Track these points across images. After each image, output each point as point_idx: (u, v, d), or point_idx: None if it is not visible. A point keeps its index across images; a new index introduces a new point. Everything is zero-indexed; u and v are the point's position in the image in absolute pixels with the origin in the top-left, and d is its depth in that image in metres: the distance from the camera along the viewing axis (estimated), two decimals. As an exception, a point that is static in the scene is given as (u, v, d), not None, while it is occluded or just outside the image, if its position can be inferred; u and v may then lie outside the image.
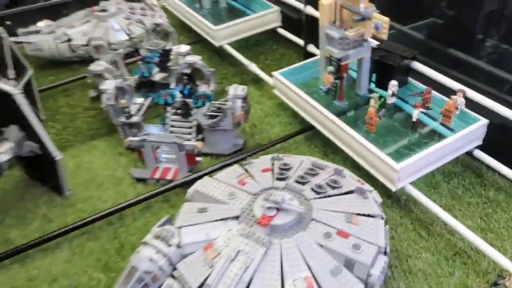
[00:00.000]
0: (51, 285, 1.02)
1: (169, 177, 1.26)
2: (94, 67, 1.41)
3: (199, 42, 1.94)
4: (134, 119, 1.33)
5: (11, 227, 1.16)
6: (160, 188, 1.22)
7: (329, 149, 1.35)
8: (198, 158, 1.30)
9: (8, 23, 2.11)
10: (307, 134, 1.43)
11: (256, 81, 1.71)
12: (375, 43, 1.37)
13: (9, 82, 1.30)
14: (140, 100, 1.43)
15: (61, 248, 1.10)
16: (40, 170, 1.26)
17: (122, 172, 1.32)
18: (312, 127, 1.39)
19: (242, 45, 1.91)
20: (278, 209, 0.95)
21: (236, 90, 1.28)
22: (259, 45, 1.97)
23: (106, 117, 1.55)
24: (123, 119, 1.33)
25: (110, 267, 1.05)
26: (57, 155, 1.12)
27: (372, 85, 1.38)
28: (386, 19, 1.06)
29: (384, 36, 1.08)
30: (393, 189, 1.10)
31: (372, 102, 1.21)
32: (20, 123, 1.12)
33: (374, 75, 1.36)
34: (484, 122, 1.17)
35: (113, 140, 1.45)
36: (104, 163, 1.36)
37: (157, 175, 1.27)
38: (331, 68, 1.22)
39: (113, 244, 1.11)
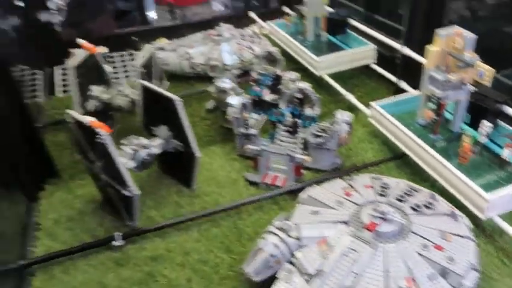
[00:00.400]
0: (185, 257, 1.26)
1: (278, 183, 1.48)
2: (221, 84, 1.68)
3: (297, 70, 2.18)
4: (252, 131, 1.57)
5: (151, 207, 1.43)
6: (270, 192, 1.44)
7: (417, 177, 1.51)
8: (302, 171, 1.51)
9: (134, 39, 2.49)
10: (397, 162, 1.59)
11: (350, 109, 1.90)
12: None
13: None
14: (256, 116, 1.67)
15: (191, 230, 1.35)
16: (172, 165, 1.52)
17: (236, 174, 1.56)
18: (402, 155, 1.56)
19: (337, 76, 2.13)
20: (383, 219, 1.13)
21: (343, 115, 1.49)
22: (353, 77, 2.17)
23: (219, 127, 1.82)
24: (243, 130, 1.57)
25: (232, 250, 1.27)
26: (198, 153, 1.38)
27: (463, 125, 1.53)
28: (491, 68, 1.23)
29: (487, 83, 1.24)
30: (483, 217, 1.24)
31: (466, 139, 1.36)
32: (171, 124, 1.39)
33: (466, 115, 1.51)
34: None
35: (227, 147, 1.70)
36: (221, 165, 1.61)
37: (268, 181, 1.49)
38: (432, 105, 1.39)
39: (232, 232, 1.33)
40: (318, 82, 2.11)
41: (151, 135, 1.46)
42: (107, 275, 1.22)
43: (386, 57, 2.10)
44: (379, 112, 1.62)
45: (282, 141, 1.61)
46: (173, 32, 2.57)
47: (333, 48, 2.12)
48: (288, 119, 1.62)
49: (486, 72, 1.23)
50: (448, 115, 1.54)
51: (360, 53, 2.04)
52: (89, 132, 1.20)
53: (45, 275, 1.23)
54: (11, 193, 1.42)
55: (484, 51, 1.79)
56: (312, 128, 1.56)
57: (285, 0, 2.81)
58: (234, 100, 1.56)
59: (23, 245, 1.31)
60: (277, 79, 1.79)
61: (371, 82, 2.12)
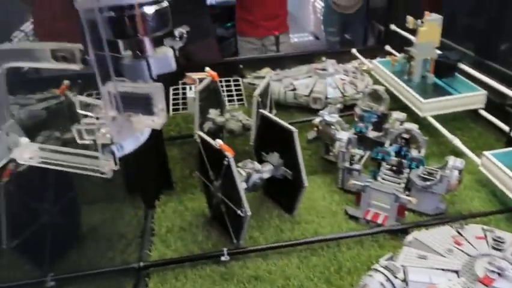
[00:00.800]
0: (286, 281, 1.31)
1: (379, 221, 1.49)
2: (327, 117, 1.74)
3: (398, 110, 2.18)
4: (356, 166, 1.60)
5: (254, 228, 1.51)
6: (371, 229, 1.45)
7: (531, 234, 1.43)
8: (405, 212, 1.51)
9: (241, 66, 2.66)
10: (508, 215, 1.52)
11: (454, 154, 1.85)
12: None
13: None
14: (360, 151, 1.71)
15: (292, 255, 1.40)
16: (277, 190, 1.60)
17: (336, 206, 1.59)
18: (513, 209, 1.49)
19: (440, 117, 2.09)
20: (499, 275, 1.09)
21: (455, 161, 1.47)
22: (456, 120, 2.12)
23: (320, 158, 1.87)
24: (347, 165, 1.61)
25: (331, 282, 1.30)
26: (306, 183, 1.44)
27: None
28: None
29: None
30: None
31: None
32: (282, 153, 1.47)
33: None
34: None
35: (328, 179, 1.74)
36: (321, 196, 1.65)
37: (369, 217, 1.50)
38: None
39: (332, 264, 1.36)
40: (419, 122, 2.09)
41: (260, 159, 1.56)
42: (214, 287, 1.30)
43: (494, 103, 2.03)
44: (491, 161, 1.57)
45: (384, 179, 1.61)
46: (277, 63, 2.72)
47: (439, 91, 2.09)
48: (393, 158, 1.63)
49: None
50: None
51: (468, 98, 1.99)
52: (214, 154, 1.32)
53: (159, 278, 1.34)
54: (134, 199, 1.58)
55: None
56: (419, 170, 1.55)
57: (387, 39, 2.84)
58: (342, 135, 1.61)
59: (141, 248, 1.44)
60: (382, 117, 1.81)
61: (476, 127, 2.06)
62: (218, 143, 1.30)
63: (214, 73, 1.78)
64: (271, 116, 1.47)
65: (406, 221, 1.51)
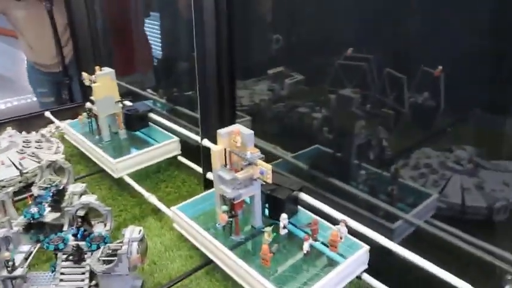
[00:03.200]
0: None
1: (56, 336, 1.15)
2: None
3: (98, 173, 1.93)
4: (18, 272, 1.22)
5: None
6: None
7: (230, 283, 1.36)
8: (91, 309, 1.22)
9: None
10: (208, 268, 1.43)
11: (156, 211, 1.71)
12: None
13: None
14: (26, 248, 1.33)
15: None
16: None
17: (-1, 335, 1.18)
18: (211, 261, 1.41)
19: (143, 172, 1.94)
20: None
21: (132, 232, 1.27)
22: (160, 171, 2.01)
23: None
24: (5, 273, 1.21)
25: None
26: None
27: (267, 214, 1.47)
28: (269, 166, 1.18)
29: (269, 181, 1.19)
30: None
31: (266, 236, 1.27)
32: None
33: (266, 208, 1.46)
34: (365, 248, 1.29)
35: (-6, 295, 1.30)
36: (-22, 326, 1.20)
37: (42, 335, 1.15)
38: (225, 208, 1.29)
39: None
40: (120, 183, 1.89)
41: None
42: None
43: (192, 147, 2.01)
44: (179, 216, 1.46)
45: (63, 274, 1.29)
46: None
47: (133, 145, 1.95)
48: (71, 243, 1.33)
49: (267, 171, 1.18)
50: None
51: (163, 147, 1.91)
52: None
53: None
54: None
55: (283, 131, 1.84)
56: (99, 251, 1.29)
57: (87, 95, 2.60)
58: (-13, 237, 1.21)
59: None
60: (59, 194, 1.50)
61: (181, 174, 1.99)
62: None
63: None
64: None
65: (96, 319, 1.22)
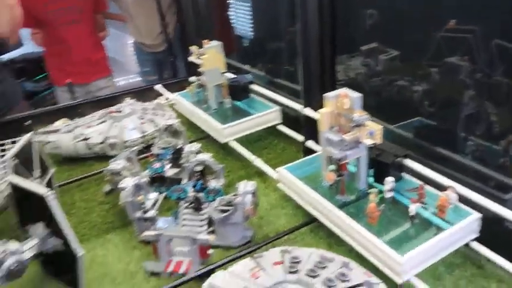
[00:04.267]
0: None
1: (181, 271, 1.31)
2: (113, 166, 1.52)
3: (205, 139, 2.10)
4: (150, 214, 1.41)
5: (27, 324, 1.18)
6: (173, 283, 1.26)
7: (333, 241, 1.42)
8: (209, 251, 1.36)
9: (28, 122, 2.28)
10: (312, 226, 1.50)
11: (260, 174, 1.82)
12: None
13: (35, 181, 1.40)
14: (154, 195, 1.52)
15: None
16: (57, 266, 1.30)
17: (135, 266, 1.37)
18: (316, 219, 1.48)
19: (245, 140, 2.07)
20: (292, 303, 1.01)
21: (246, 186, 1.39)
22: (261, 139, 2.12)
23: (119, 210, 1.63)
24: (139, 214, 1.41)
25: None
26: (79, 251, 1.18)
27: (372, 179, 1.50)
28: (379, 126, 1.21)
29: (378, 141, 1.22)
30: (399, 281, 1.15)
31: (371, 196, 1.31)
32: (46, 221, 1.20)
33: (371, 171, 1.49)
34: (476, 216, 1.27)
35: (127, 234, 1.51)
36: (118, 257, 1.41)
37: (170, 268, 1.32)
38: (332, 167, 1.35)
39: None
40: (226, 148, 2.03)
41: (27, 235, 1.25)
42: None
43: (292, 117, 2.09)
44: (285, 176, 1.54)
45: (185, 220, 1.46)
46: (74, 112, 2.42)
47: (237, 113, 2.08)
48: (190, 194, 1.49)
49: (376, 131, 1.22)
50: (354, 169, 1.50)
51: (265, 116, 2.01)
52: None
53: None
54: None
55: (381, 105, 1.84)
56: (216, 202, 1.44)
57: (191, 71, 2.80)
58: (125, 183, 1.40)
59: None
60: (177, 152, 1.68)
61: (280, 142, 2.09)
62: None
63: None
64: (19, 180, 1.19)
65: (213, 260, 1.36)
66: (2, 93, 2.43)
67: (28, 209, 1.25)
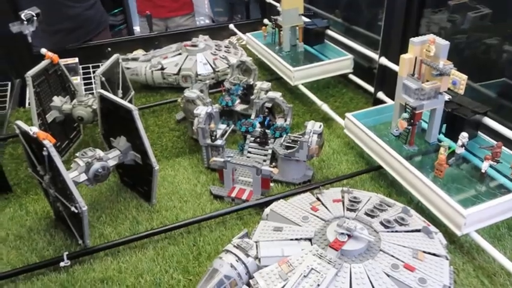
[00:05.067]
0: (138, 279, 1.15)
1: (244, 197, 1.39)
2: (188, 94, 1.59)
3: (274, 80, 2.11)
4: (219, 142, 1.48)
5: (105, 224, 1.33)
6: (235, 206, 1.35)
7: (393, 190, 1.42)
8: (270, 184, 1.42)
9: (108, 49, 2.41)
10: (373, 174, 1.51)
11: (326, 120, 1.83)
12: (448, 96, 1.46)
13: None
14: (223, 126, 1.59)
15: (147, 248, 1.24)
16: (133, 178, 1.43)
17: (201, 188, 1.47)
18: (378, 168, 1.48)
19: (313, 86, 2.06)
20: (349, 236, 1.04)
21: (314, 126, 1.41)
22: (330, 87, 2.11)
23: (188, 138, 1.73)
24: (209, 141, 1.48)
25: (189, 271, 1.17)
26: (155, 165, 1.28)
27: (441, 136, 1.45)
28: (464, 76, 1.16)
29: (461, 92, 1.17)
30: (459, 234, 1.15)
31: (442, 150, 1.28)
32: (129, 135, 1.30)
33: (443, 127, 1.44)
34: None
35: (195, 159, 1.61)
36: (186, 178, 1.51)
37: (234, 194, 1.40)
38: (406, 115, 1.32)
39: (191, 250, 1.23)
40: (293, 92, 2.04)
41: (110, 146, 1.38)
42: (49, 299, 1.11)
43: (363, 67, 2.04)
44: (353, 123, 1.54)
45: (250, 152, 1.52)
46: (151, 43, 2.52)
47: (309, 58, 2.06)
48: (258, 129, 1.54)
49: (460, 81, 1.16)
50: (424, 125, 1.47)
51: (337, 63, 1.97)
52: (37, 144, 1.11)
53: (-17, 299, 1.12)
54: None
55: (464, 62, 1.74)
56: (282, 138, 1.48)
57: (266, 12, 2.77)
58: (200, 110, 1.47)
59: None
60: (248, 89, 1.72)
61: (348, 92, 2.06)
62: (33, 130, 1.09)
63: (53, 55, 1.54)
64: (109, 95, 1.29)
65: (273, 193, 1.42)
66: (93, 16, 2.56)
67: (112, 123, 1.37)
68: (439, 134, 1.43)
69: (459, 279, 1.14)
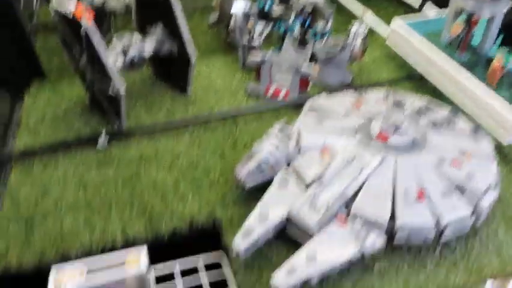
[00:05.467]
0: (175, 160, 1.15)
1: (281, 96, 1.35)
2: (225, -11, 1.50)
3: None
4: (256, 42, 1.42)
5: (141, 111, 1.31)
6: (272, 103, 1.32)
7: (436, 99, 1.36)
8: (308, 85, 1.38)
9: None
10: (415, 82, 1.45)
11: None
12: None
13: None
14: (260, 27, 1.51)
15: (183, 135, 1.24)
16: (168, 70, 1.39)
17: (237, 85, 1.43)
18: (420, 78, 1.42)
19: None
20: (395, 130, 1.01)
21: (358, 27, 1.33)
22: (371, 1, 1.98)
23: (222, 41, 1.67)
24: (245, 41, 1.42)
25: (225, 156, 1.17)
26: (194, 54, 1.24)
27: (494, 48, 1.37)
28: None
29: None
30: (505, 143, 1.11)
31: (497, 57, 1.20)
32: (166, 24, 1.24)
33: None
34: None
35: (229, 59, 1.56)
36: (221, 75, 1.48)
37: (270, 92, 1.36)
38: (463, 17, 1.23)
39: (227, 140, 1.22)
40: (334, 1, 1.93)
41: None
42: (89, 172, 1.12)
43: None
44: (401, 27, 1.45)
45: (289, 53, 1.46)
46: None
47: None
48: (297, 31, 1.46)
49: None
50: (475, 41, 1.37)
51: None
52: (73, 24, 1.06)
53: (23, 170, 1.13)
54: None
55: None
56: (322, 41, 1.40)
57: None
58: (237, 8, 1.39)
59: (4, 140, 1.21)
60: (288, -8, 1.61)
61: (390, 6, 1.93)
62: (70, 9, 1.03)
63: None
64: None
65: (310, 94, 1.38)
66: None
67: (147, 13, 1.30)
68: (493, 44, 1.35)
69: (502, 185, 1.10)
